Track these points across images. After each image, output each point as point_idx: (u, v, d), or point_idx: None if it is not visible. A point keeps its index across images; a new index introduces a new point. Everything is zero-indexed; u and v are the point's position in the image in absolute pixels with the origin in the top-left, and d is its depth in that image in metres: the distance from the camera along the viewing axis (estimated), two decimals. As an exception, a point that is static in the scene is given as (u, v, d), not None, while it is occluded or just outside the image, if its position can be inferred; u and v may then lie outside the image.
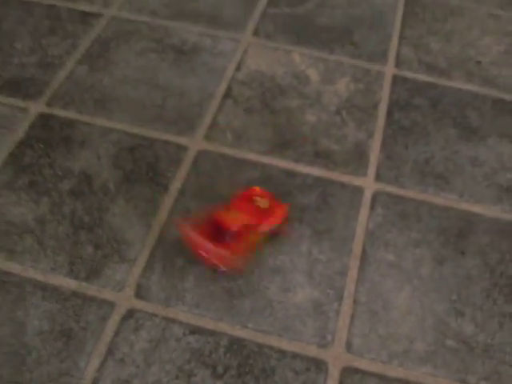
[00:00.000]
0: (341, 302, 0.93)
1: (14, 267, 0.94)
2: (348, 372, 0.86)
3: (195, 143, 1.13)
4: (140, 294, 0.92)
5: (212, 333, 0.88)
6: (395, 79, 1.29)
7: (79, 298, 0.91)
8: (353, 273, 0.97)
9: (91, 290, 0.92)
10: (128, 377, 0.84)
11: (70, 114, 1.15)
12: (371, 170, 1.11)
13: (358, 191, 1.07)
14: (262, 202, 0.95)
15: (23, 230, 0.98)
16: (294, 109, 1.20)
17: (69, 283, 0.92)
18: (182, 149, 1.11)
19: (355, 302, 0.93)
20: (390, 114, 1.21)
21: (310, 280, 0.95)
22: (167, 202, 1.03)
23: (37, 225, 0.98)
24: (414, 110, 1.22)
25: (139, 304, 0.91)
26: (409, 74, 1.30)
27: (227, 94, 1.21)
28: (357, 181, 1.09)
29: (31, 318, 0.88)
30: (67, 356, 0.85)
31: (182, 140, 1.13)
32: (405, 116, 1.21)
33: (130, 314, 0.90)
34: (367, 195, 1.07)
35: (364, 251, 0.99)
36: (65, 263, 0.94)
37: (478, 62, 1.34)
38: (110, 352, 0.86)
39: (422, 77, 1.30)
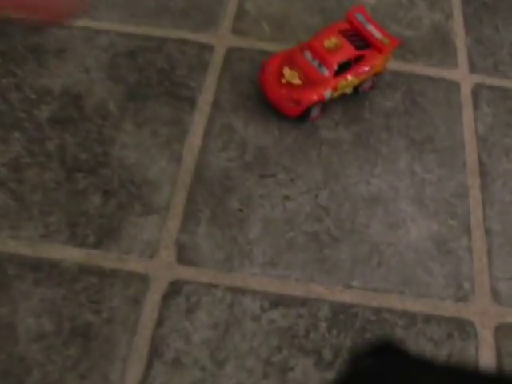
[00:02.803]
0: (470, 236, 0.63)
1: (-18, 240, 0.58)
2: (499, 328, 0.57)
3: (222, 40, 0.76)
4: (184, 257, 0.58)
5: (303, 301, 0.57)
6: None
7: (93, 276, 0.57)
8: (475, 193, 0.66)
9: (108, 260, 0.57)
10: (190, 385, 0.51)
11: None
12: (462, 59, 0.78)
13: (453, 87, 0.75)
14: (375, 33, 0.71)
15: (-12, 182, 0.61)
16: (343, -11, 0.85)
17: (72, 255, 0.58)
18: (205, 48, 0.74)
19: (487, 232, 0.63)
20: (463, -12, 0.88)
21: (422, 209, 0.64)
22: (198, 120, 0.68)
23: (10, 174, 0.62)
24: (490, -17, 0.90)
25: (186, 272, 0.57)
26: None
27: (250, -24, 0.85)
28: (448, 74, 0.76)
29: (22, 314, 0.54)
30: (89, 367, 0.52)
31: (203, 37, 0.76)
32: (483, -11, 0.88)
33: (176, 288, 0.56)
34: (465, 91, 0.75)
35: (481, 163, 0.68)
36: (62, 226, 0.59)
37: None
38: (155, 352, 0.53)
39: None
